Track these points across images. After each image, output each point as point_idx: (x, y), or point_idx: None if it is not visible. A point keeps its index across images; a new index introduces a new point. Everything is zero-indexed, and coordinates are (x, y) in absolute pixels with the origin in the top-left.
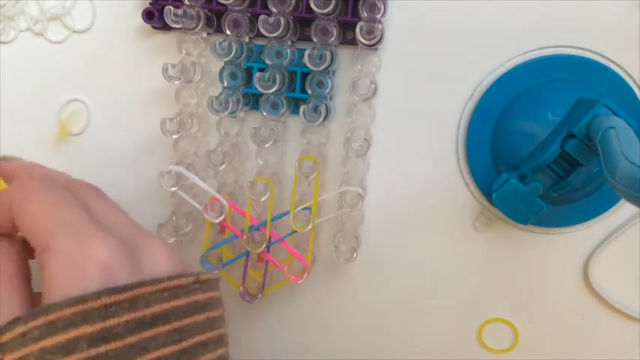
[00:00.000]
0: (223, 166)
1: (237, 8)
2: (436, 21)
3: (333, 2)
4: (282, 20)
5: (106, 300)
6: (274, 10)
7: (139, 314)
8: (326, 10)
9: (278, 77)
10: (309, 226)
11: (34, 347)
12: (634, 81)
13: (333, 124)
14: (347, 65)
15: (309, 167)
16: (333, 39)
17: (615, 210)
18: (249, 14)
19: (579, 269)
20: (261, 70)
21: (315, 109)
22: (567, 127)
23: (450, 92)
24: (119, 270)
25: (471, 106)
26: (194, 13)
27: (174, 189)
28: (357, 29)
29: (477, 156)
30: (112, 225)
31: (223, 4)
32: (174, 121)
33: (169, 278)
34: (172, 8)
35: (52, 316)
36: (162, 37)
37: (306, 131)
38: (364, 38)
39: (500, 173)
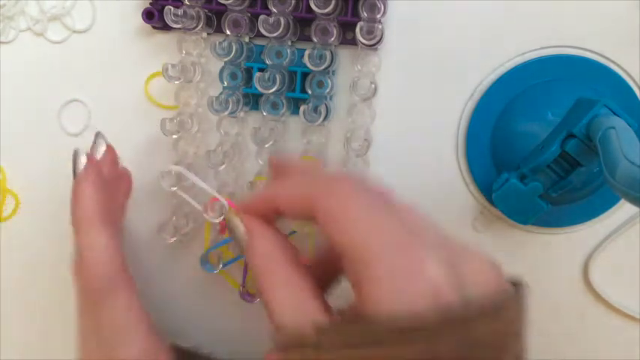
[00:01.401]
0: (223, 166)
1: (237, 8)
2: (436, 21)
3: (333, 2)
4: (282, 20)
5: (430, 323)
6: (274, 10)
7: (458, 337)
8: (326, 10)
9: (278, 77)
10: (309, 226)
11: (353, 352)
12: (634, 81)
13: (333, 124)
14: (347, 65)
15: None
16: (333, 39)
17: (615, 210)
18: (249, 14)
19: (579, 269)
20: (261, 70)
21: (315, 109)
22: (567, 127)
23: (450, 92)
24: (447, 290)
25: (471, 106)
26: (194, 13)
27: (174, 189)
28: (357, 29)
29: (477, 156)
30: (426, 236)
31: (223, 4)
32: (174, 121)
33: (495, 304)
34: (172, 8)
35: (376, 328)
36: (162, 37)
37: (306, 131)
38: (364, 38)
39: (500, 173)
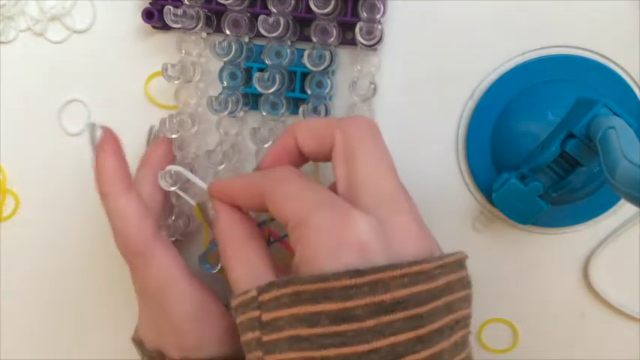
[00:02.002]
0: (223, 166)
1: (237, 8)
2: (436, 21)
3: (333, 2)
4: (282, 20)
5: (347, 282)
6: (274, 10)
7: (377, 299)
8: (326, 11)
9: (277, 77)
10: None
11: (285, 312)
12: (634, 81)
13: None
14: (346, 65)
15: (308, 168)
16: (332, 39)
17: (615, 210)
18: (248, 14)
19: (579, 269)
20: (261, 70)
21: (315, 110)
22: (567, 127)
23: (450, 92)
24: (373, 248)
25: (471, 106)
26: (194, 13)
27: (173, 189)
28: (357, 30)
29: (477, 156)
30: (371, 192)
31: (223, 4)
32: (174, 120)
33: (411, 264)
34: (172, 8)
35: (299, 288)
36: (162, 37)
37: None
38: (364, 39)
39: (500, 173)
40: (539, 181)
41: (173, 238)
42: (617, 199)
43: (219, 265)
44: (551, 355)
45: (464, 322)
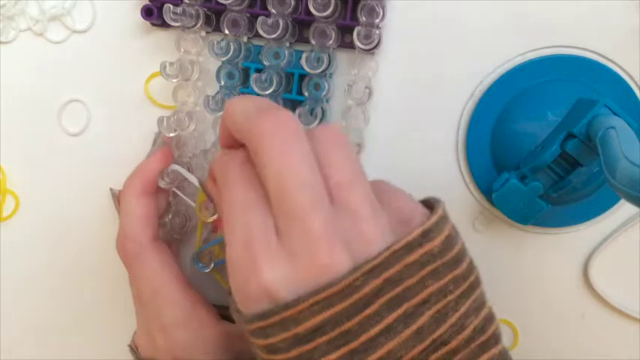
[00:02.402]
0: None
1: (237, 8)
2: (435, 23)
3: (332, 6)
4: (281, 22)
5: (260, 324)
6: (273, 11)
7: (291, 333)
8: (325, 14)
9: (275, 79)
10: None
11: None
12: (634, 81)
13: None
14: (344, 69)
15: None
16: (331, 42)
17: (615, 210)
18: (248, 14)
19: (579, 269)
20: (259, 70)
21: (312, 112)
22: (567, 127)
23: (450, 92)
24: (279, 293)
25: (470, 106)
26: (193, 12)
27: (170, 188)
28: (355, 34)
29: (477, 156)
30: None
31: (223, 4)
32: (172, 119)
33: (315, 292)
34: (171, 6)
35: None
36: (161, 35)
37: None
38: (361, 43)
39: (500, 173)
40: (539, 181)
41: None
42: (617, 199)
43: (212, 265)
44: (551, 355)
45: (431, 300)
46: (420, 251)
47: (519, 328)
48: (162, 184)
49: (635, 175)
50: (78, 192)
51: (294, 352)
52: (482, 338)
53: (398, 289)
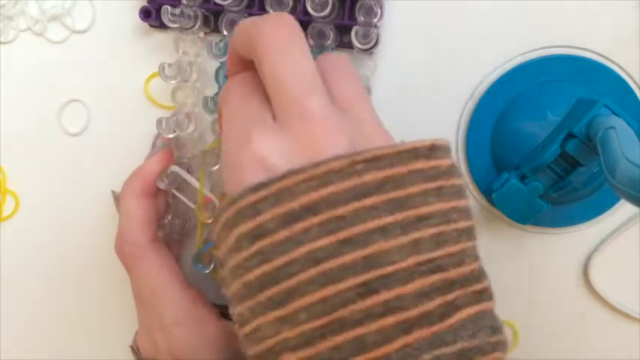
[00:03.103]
0: (217, 167)
1: (235, 9)
2: (435, 22)
3: (330, 5)
4: None
5: (252, 198)
6: (271, 11)
7: (284, 208)
8: (323, 14)
9: None
10: None
11: (224, 245)
12: (634, 81)
13: None
14: None
15: None
16: (329, 42)
17: (615, 210)
18: (246, 15)
19: (579, 269)
20: None
21: None
22: (567, 127)
23: (450, 92)
24: (275, 162)
25: (470, 106)
26: (191, 13)
27: (169, 188)
28: (353, 33)
29: (477, 156)
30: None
31: (221, 5)
32: (171, 120)
33: (315, 165)
34: (169, 8)
35: (221, 218)
36: (159, 36)
37: None
38: (359, 42)
39: (500, 173)
40: (539, 181)
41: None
42: (617, 199)
43: (212, 265)
44: (551, 355)
45: (432, 220)
46: (428, 163)
47: (519, 328)
48: (161, 186)
49: (635, 175)
50: (78, 192)
51: (282, 234)
52: (479, 287)
53: (400, 192)
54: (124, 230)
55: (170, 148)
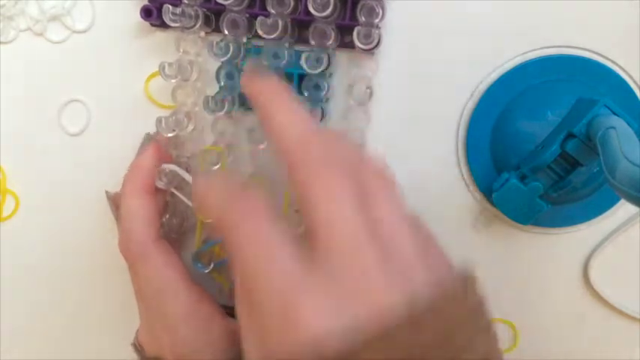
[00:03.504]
0: (217, 166)
1: (236, 9)
2: (435, 22)
3: (332, 5)
4: (280, 22)
5: None
6: (273, 11)
7: None
8: (324, 14)
9: None
10: (302, 228)
11: None
12: (634, 81)
13: (329, 126)
14: (344, 69)
15: None
16: (330, 42)
17: (615, 210)
18: (247, 15)
19: (579, 269)
20: None
21: (311, 112)
22: (567, 127)
23: (450, 93)
24: (329, 344)
25: (470, 106)
26: (192, 12)
27: (168, 187)
28: (355, 34)
29: (477, 156)
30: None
31: (222, 4)
32: (170, 119)
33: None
34: (170, 7)
35: None
36: (160, 35)
37: None
38: (361, 42)
39: (500, 173)
40: (539, 181)
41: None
42: (617, 199)
43: (212, 265)
44: (551, 355)
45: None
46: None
47: (519, 328)
48: (160, 185)
49: (635, 175)
50: (78, 192)
51: None
52: None
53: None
54: (128, 230)
55: (158, 141)
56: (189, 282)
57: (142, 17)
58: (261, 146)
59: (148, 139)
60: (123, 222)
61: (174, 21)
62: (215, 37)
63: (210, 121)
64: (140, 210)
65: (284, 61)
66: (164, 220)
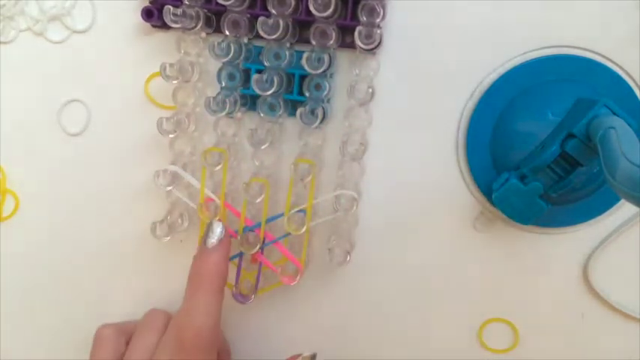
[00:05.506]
0: (219, 167)
1: (237, 9)
2: (436, 22)
3: (333, 5)
4: (281, 22)
5: None
6: (273, 11)
7: None
8: (325, 14)
9: (276, 79)
10: (303, 229)
11: None
12: (634, 81)
13: (330, 126)
14: (345, 69)
15: (304, 170)
16: (331, 42)
17: (615, 210)
18: (248, 15)
19: (579, 269)
20: (259, 71)
21: (312, 112)
22: (567, 127)
23: (450, 93)
24: None
25: (470, 106)
26: (193, 13)
27: (169, 188)
28: (356, 33)
29: (477, 156)
30: None
31: (223, 5)
32: (171, 120)
33: None
34: (171, 8)
35: None
36: (161, 36)
37: (303, 133)
38: (362, 42)
39: (500, 173)
40: (539, 181)
41: (168, 238)
42: (617, 199)
43: None
44: (551, 355)
45: None
46: None
47: (519, 328)
48: (158, 185)
49: (635, 175)
50: (78, 192)
51: None
52: None
53: None
54: (204, 326)
55: (228, 236)
56: None
57: (143, 19)
58: (263, 147)
59: (219, 227)
60: (196, 316)
61: (175, 22)
62: (216, 38)
63: (211, 121)
64: (217, 306)
65: (285, 62)
66: (164, 220)
